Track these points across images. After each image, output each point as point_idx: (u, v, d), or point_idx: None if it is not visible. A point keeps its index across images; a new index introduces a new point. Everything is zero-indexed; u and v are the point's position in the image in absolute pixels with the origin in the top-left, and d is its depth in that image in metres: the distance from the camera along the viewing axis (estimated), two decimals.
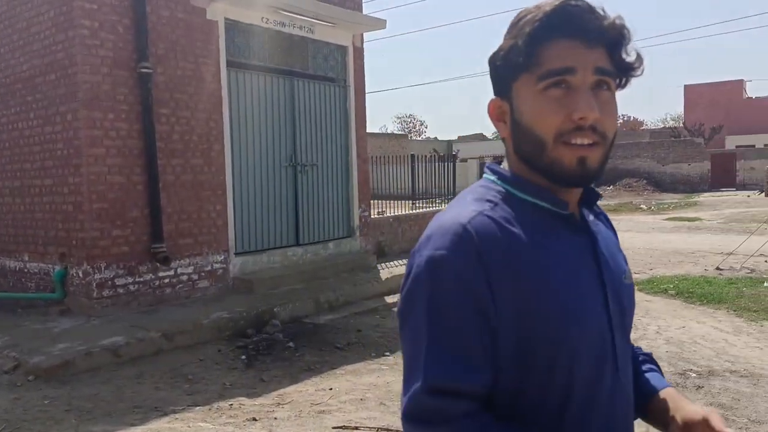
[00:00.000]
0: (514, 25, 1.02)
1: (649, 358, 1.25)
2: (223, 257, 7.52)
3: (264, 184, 8.08)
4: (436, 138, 47.86)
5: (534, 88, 0.99)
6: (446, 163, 12.78)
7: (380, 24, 9.34)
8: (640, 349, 1.27)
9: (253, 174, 7.94)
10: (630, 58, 1.02)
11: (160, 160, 6.86)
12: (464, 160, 33.66)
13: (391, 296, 7.96)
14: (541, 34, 0.97)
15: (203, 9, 7.31)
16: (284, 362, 5.46)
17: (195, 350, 5.70)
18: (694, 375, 4.98)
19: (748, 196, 27.00)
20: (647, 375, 1.20)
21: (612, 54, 1.00)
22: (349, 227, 9.37)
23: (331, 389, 4.78)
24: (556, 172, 1.00)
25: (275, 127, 8.21)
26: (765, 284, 8.31)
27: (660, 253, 11.72)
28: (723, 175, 33.16)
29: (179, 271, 7.08)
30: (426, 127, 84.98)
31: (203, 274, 7.32)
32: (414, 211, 11.49)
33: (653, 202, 25.02)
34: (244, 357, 5.55)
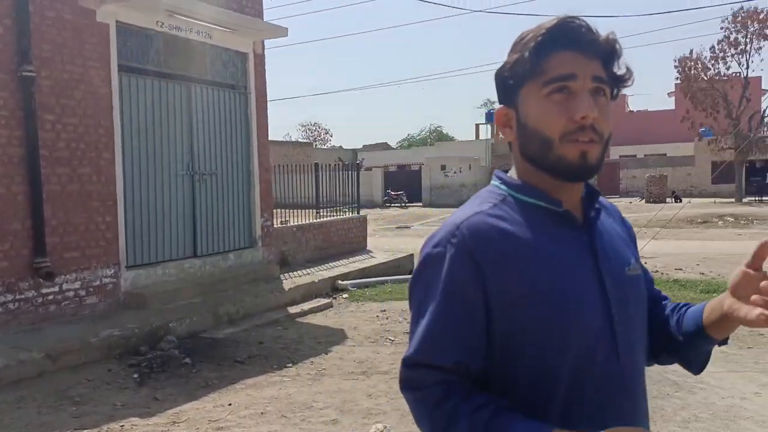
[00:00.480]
0: (518, 43, 1.13)
1: (683, 303, 1.28)
2: (113, 271, 7.14)
3: (158, 194, 7.77)
4: (341, 147, 47.90)
5: (539, 93, 1.09)
6: (350, 172, 12.83)
7: (281, 32, 9.26)
8: (678, 304, 1.29)
9: (146, 183, 7.62)
10: (621, 71, 1.13)
11: (44, 169, 6.43)
12: (369, 169, 34.04)
13: (295, 306, 7.88)
14: (545, 46, 1.08)
15: (93, 11, 6.95)
16: (180, 379, 5.25)
17: (82, 371, 5.36)
18: None
19: (630, 202, 29.07)
20: (686, 314, 1.22)
21: (605, 66, 1.11)
22: (251, 237, 9.19)
23: (230, 405, 4.65)
24: (562, 167, 1.09)
25: (171, 135, 7.92)
26: None
27: None
28: (608, 183, 35.51)
29: (65, 286, 6.65)
30: (331, 136, 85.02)
31: (92, 289, 6.92)
32: (318, 220, 11.45)
33: None
34: (136, 376, 5.29)
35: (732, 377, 5.13)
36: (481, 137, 44.05)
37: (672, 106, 42.64)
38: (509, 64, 1.13)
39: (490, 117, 45.16)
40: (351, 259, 10.80)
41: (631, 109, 49.33)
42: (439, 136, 56.78)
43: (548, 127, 1.08)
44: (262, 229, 9.31)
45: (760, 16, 27.72)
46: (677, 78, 31.18)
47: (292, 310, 7.77)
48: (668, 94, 43.59)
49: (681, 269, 10.48)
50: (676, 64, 30.44)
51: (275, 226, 9.89)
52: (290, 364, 5.65)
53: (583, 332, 1.05)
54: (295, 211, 11.45)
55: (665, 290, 8.35)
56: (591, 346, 1.06)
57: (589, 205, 1.16)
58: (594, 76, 1.08)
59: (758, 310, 1.00)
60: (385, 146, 50.45)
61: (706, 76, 29.36)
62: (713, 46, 29.27)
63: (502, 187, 1.17)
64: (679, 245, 13.85)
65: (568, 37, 1.08)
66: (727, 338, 1.18)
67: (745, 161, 29.14)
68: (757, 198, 28.00)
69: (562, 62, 1.08)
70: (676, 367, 4.71)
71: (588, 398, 1.05)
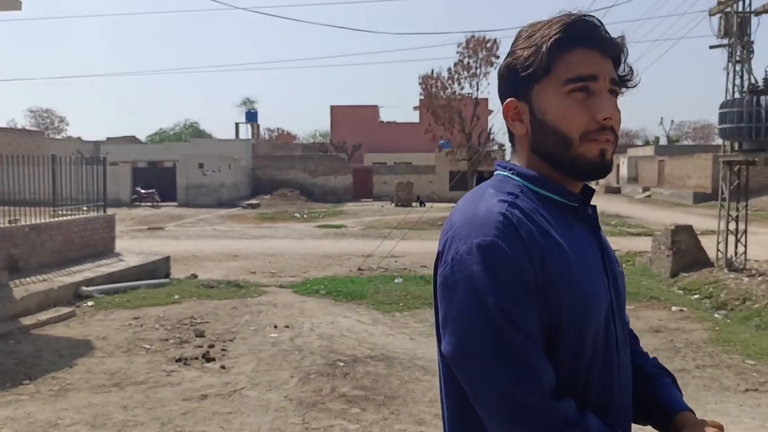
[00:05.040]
0: (530, 36, 1.11)
1: (665, 371, 1.27)
2: None
3: None
4: (80, 138, 43.01)
5: (559, 90, 1.08)
6: (95, 167, 11.67)
7: (14, 4, 8.08)
8: (656, 359, 1.30)
9: None
10: (626, 71, 1.15)
11: None
12: (115, 164, 31.29)
13: (29, 317, 6.92)
14: (564, 43, 1.07)
15: None
16: None
17: None
18: (342, 364, 5.54)
19: (382, 206, 31.24)
20: (667, 391, 1.22)
21: (615, 66, 1.12)
22: None
23: None
24: (579, 166, 1.09)
25: None
26: (395, 281, 9.72)
27: (313, 257, 12.72)
28: (363, 188, 37.72)
29: None
30: (68, 125, 76.21)
31: None
32: (57, 219, 10.19)
33: (306, 211, 27.03)
34: None
35: None
36: (241, 136, 43.44)
37: (417, 119, 46.86)
38: (522, 57, 1.10)
39: (250, 116, 44.76)
40: (97, 263, 9.83)
41: (382, 120, 53.08)
42: (195, 133, 54.55)
43: (569, 125, 1.08)
44: None
45: (488, 44, 31.95)
46: (421, 94, 34.41)
47: (26, 321, 6.82)
48: (414, 108, 47.85)
49: (425, 266, 11.57)
50: (420, 81, 33.59)
51: (2, 225, 8.57)
52: (27, 381, 4.96)
53: (599, 323, 1.07)
54: (27, 208, 10.02)
55: (413, 285, 9.17)
56: (605, 334, 1.09)
57: (586, 203, 1.17)
58: (611, 78, 1.10)
59: None
60: (133, 140, 46.77)
61: (445, 95, 32.89)
62: (450, 68, 32.91)
63: (516, 178, 1.13)
64: (423, 245, 15.22)
65: (587, 35, 1.09)
66: None
67: (475, 171, 33.27)
68: None
69: (582, 61, 1.08)
70: (424, 352, 5.24)
71: (594, 387, 1.07)
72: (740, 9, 11.88)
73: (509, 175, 1.15)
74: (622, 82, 1.15)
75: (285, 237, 16.84)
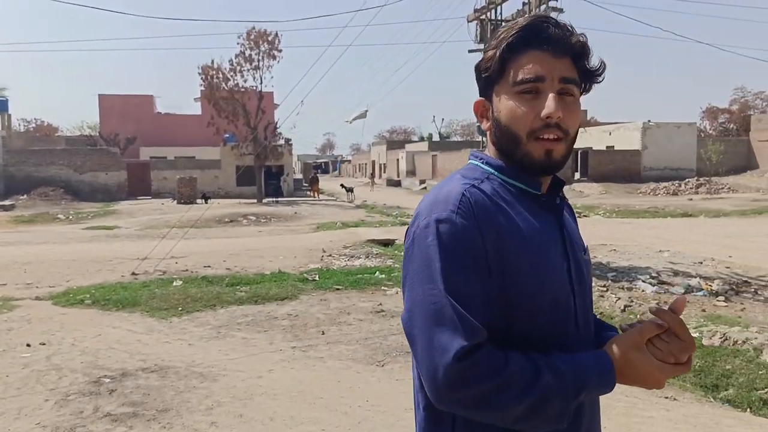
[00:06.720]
0: (496, 39, 1.21)
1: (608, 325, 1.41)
2: None
3: None
4: None
5: (510, 91, 1.19)
6: None
7: None
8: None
9: None
10: (592, 67, 1.22)
11: None
12: None
13: None
14: (515, 47, 1.17)
15: None
16: None
17: None
18: (108, 380, 5.02)
19: (163, 203, 29.40)
20: (603, 334, 1.34)
21: (576, 63, 1.20)
22: None
23: None
24: (527, 163, 1.20)
25: None
26: (174, 283, 9.15)
27: (78, 264, 11.46)
28: (139, 184, 35.09)
29: None
30: None
31: None
32: None
33: (71, 212, 24.37)
34: None
35: (250, 360, 5.67)
36: None
37: (199, 111, 44.82)
38: (484, 60, 1.22)
39: (1, 105, 39.02)
40: None
41: (159, 111, 49.85)
42: None
43: (516, 124, 1.18)
44: None
45: (269, 38, 31.56)
46: (201, 85, 32.87)
47: None
48: (195, 99, 45.57)
49: (210, 266, 11.09)
50: (200, 71, 32.05)
51: None
52: None
53: (556, 303, 1.19)
54: None
55: (194, 288, 8.72)
56: (563, 311, 1.20)
57: (555, 193, 1.28)
58: (561, 77, 1.17)
59: None
60: None
61: (227, 86, 31.82)
62: (231, 59, 31.90)
63: (484, 166, 1.25)
64: (208, 243, 14.62)
65: (539, 37, 1.17)
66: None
67: (263, 166, 32.77)
68: (274, 199, 31.86)
69: (531, 63, 1.17)
70: (203, 358, 4.98)
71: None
72: (493, 17, 13.28)
73: (479, 163, 1.27)
74: (586, 76, 1.23)
75: (45, 242, 14.95)
